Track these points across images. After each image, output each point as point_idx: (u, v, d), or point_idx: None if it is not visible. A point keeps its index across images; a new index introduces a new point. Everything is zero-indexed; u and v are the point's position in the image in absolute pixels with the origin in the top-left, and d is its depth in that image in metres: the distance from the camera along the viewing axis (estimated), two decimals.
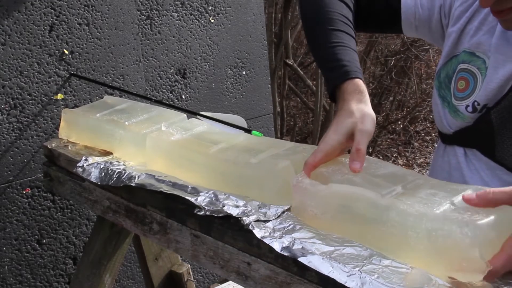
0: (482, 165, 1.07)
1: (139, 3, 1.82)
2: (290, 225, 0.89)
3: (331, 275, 0.76)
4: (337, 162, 0.95)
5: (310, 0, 1.17)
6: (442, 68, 1.15)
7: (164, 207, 1.10)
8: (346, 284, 0.74)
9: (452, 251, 0.71)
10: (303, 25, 1.22)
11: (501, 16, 1.00)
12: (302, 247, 0.82)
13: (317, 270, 0.78)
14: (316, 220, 0.88)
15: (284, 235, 0.86)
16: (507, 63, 1.01)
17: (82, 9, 1.67)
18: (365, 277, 0.74)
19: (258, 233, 0.88)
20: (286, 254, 0.83)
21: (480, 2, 0.97)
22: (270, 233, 0.87)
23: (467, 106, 1.07)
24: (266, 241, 0.86)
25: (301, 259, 0.80)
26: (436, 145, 1.28)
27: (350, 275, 0.75)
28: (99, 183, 1.20)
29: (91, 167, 1.23)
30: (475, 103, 1.05)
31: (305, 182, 0.90)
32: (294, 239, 0.84)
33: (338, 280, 0.75)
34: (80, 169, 1.24)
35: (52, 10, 1.61)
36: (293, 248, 0.83)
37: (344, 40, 1.08)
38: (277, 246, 0.84)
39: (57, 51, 1.64)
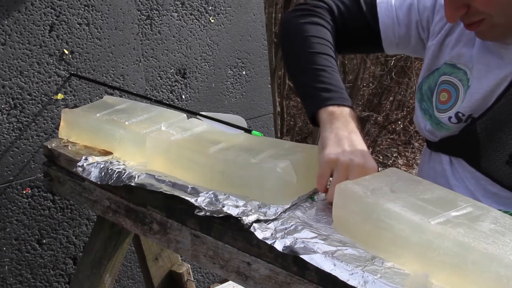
0: (467, 174, 1.07)
1: (139, 3, 1.82)
2: (292, 225, 0.89)
3: (333, 273, 0.76)
4: (376, 180, 0.90)
5: (294, 31, 1.18)
6: (424, 81, 1.14)
7: (164, 207, 1.10)
8: (348, 282, 0.74)
9: None
10: (285, 53, 1.21)
11: (472, 29, 1.00)
12: (304, 246, 0.82)
13: (319, 267, 0.78)
14: (356, 231, 0.84)
15: (286, 236, 0.86)
16: (489, 73, 1.01)
17: (82, 9, 1.67)
18: (367, 276, 0.74)
19: (259, 234, 0.88)
20: (287, 252, 0.83)
21: (447, 18, 0.98)
22: (271, 234, 0.88)
23: (450, 117, 1.06)
24: (268, 241, 0.86)
25: (303, 256, 0.81)
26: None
27: (352, 273, 0.75)
28: (98, 183, 1.20)
29: (91, 167, 1.23)
30: (459, 114, 1.05)
31: (356, 188, 0.86)
32: (296, 239, 0.84)
33: (340, 278, 0.75)
34: (80, 169, 1.24)
35: (52, 10, 1.61)
36: (295, 246, 0.83)
37: (333, 64, 1.09)
38: (279, 246, 0.84)
39: (57, 51, 1.64)
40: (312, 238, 0.85)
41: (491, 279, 0.68)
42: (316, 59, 1.10)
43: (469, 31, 1.05)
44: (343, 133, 0.97)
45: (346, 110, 1.02)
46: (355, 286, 0.74)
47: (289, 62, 1.19)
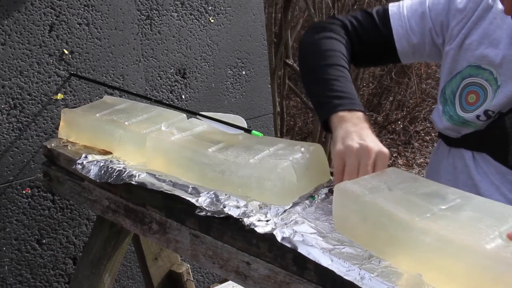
0: (492, 169, 1.08)
1: (139, 3, 1.82)
2: (292, 220, 0.90)
3: (331, 268, 0.77)
4: (375, 179, 0.91)
5: (309, 46, 1.22)
6: (447, 85, 1.16)
7: (164, 207, 1.10)
8: (346, 277, 0.75)
9: None
10: (300, 69, 1.25)
11: None
12: (303, 240, 0.83)
13: (316, 261, 0.79)
14: (355, 230, 0.85)
15: (286, 227, 0.87)
16: None
17: (82, 9, 1.67)
18: (364, 273, 0.75)
19: (260, 230, 0.88)
20: (286, 243, 0.84)
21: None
22: (272, 228, 0.88)
23: (478, 115, 1.08)
24: (268, 230, 0.87)
25: (300, 250, 0.81)
26: (435, 145, 1.28)
27: (349, 270, 0.76)
28: (98, 181, 1.20)
29: (91, 165, 1.23)
30: (489, 112, 1.06)
31: (354, 187, 0.87)
32: (295, 232, 0.85)
33: (337, 272, 0.76)
34: (79, 166, 1.24)
35: (52, 10, 1.61)
36: (294, 239, 0.84)
37: (346, 74, 1.13)
38: (278, 235, 0.85)
39: (57, 51, 1.64)
40: (311, 233, 0.85)
41: (471, 270, 0.69)
42: (328, 70, 1.13)
43: (491, 33, 1.07)
44: (353, 128, 0.99)
45: (357, 114, 1.04)
46: (352, 280, 0.74)
47: (304, 75, 1.22)
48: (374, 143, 0.95)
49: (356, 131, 0.98)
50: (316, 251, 0.80)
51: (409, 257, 0.76)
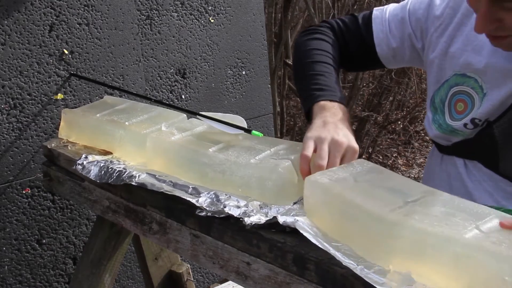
0: (484, 176, 1.07)
1: (139, 3, 1.82)
2: (293, 216, 0.90)
3: (330, 252, 0.78)
4: (342, 171, 0.93)
5: (299, 47, 1.28)
6: (435, 94, 1.16)
7: (164, 207, 1.10)
8: (344, 263, 0.76)
9: (481, 282, 0.67)
10: (292, 65, 1.31)
11: (496, 41, 1.00)
12: (304, 228, 0.85)
13: (319, 245, 0.80)
14: (326, 222, 0.87)
15: (287, 216, 0.89)
16: (508, 79, 1.02)
17: (82, 9, 1.67)
18: (362, 267, 0.75)
19: (261, 221, 0.90)
20: (286, 226, 0.86)
21: (475, 28, 0.97)
22: (273, 217, 0.90)
23: (466, 124, 1.07)
24: (270, 215, 0.89)
25: (304, 233, 0.83)
26: (430, 151, 1.29)
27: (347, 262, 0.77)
28: (98, 181, 1.20)
29: (91, 165, 1.23)
30: (476, 120, 1.06)
31: (323, 179, 0.89)
32: (297, 220, 0.87)
33: (337, 258, 0.77)
34: (79, 167, 1.24)
35: (52, 10, 1.61)
36: (296, 224, 0.86)
37: (331, 70, 1.18)
38: (280, 219, 0.87)
39: (57, 51, 1.64)
40: (310, 226, 0.86)
41: (450, 261, 0.71)
42: (313, 67, 1.18)
43: (473, 39, 1.07)
44: (331, 119, 1.03)
45: (337, 105, 1.08)
46: (351, 268, 0.75)
47: (294, 74, 1.28)
48: (346, 138, 0.99)
49: (333, 122, 1.02)
50: (317, 239, 0.82)
51: (381, 248, 0.77)
